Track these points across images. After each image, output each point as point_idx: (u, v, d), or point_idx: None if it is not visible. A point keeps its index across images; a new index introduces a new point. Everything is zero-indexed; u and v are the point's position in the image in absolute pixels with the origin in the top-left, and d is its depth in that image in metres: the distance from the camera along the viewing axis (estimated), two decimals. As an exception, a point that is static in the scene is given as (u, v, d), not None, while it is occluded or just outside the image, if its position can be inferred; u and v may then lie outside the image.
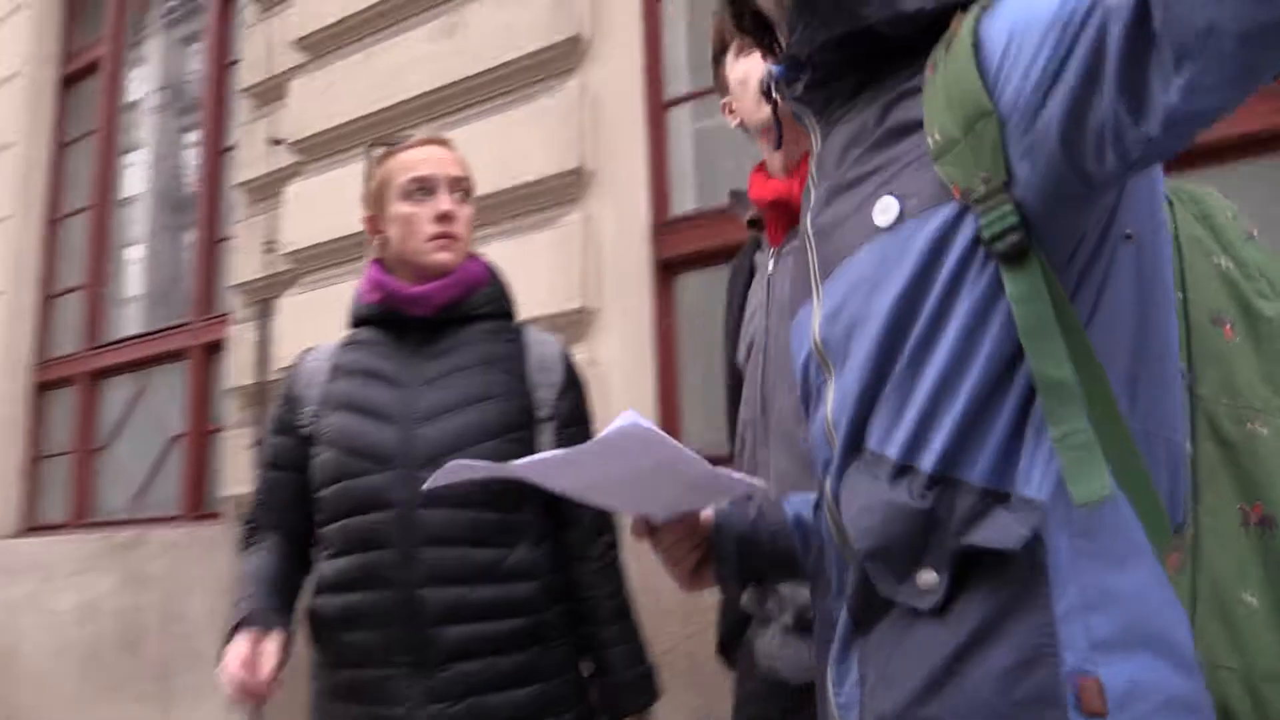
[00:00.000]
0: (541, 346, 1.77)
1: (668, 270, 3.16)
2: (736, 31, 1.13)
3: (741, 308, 1.71)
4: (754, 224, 1.71)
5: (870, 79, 0.94)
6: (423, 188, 1.73)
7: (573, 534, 1.70)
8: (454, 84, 3.47)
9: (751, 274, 1.73)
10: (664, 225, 3.18)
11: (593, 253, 3.14)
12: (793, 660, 1.45)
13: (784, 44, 1.01)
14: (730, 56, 1.64)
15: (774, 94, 1.04)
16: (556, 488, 1.12)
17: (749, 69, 1.58)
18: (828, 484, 0.93)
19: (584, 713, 1.66)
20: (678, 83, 3.35)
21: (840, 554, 0.92)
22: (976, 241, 0.79)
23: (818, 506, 1.01)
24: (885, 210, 0.85)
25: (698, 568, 1.17)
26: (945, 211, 0.81)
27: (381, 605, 1.55)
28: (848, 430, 0.88)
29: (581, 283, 3.09)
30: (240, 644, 1.48)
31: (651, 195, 3.18)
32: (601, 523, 1.72)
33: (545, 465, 1.05)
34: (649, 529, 1.14)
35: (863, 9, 0.90)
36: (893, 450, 0.84)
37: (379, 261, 1.79)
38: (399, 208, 1.73)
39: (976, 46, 0.81)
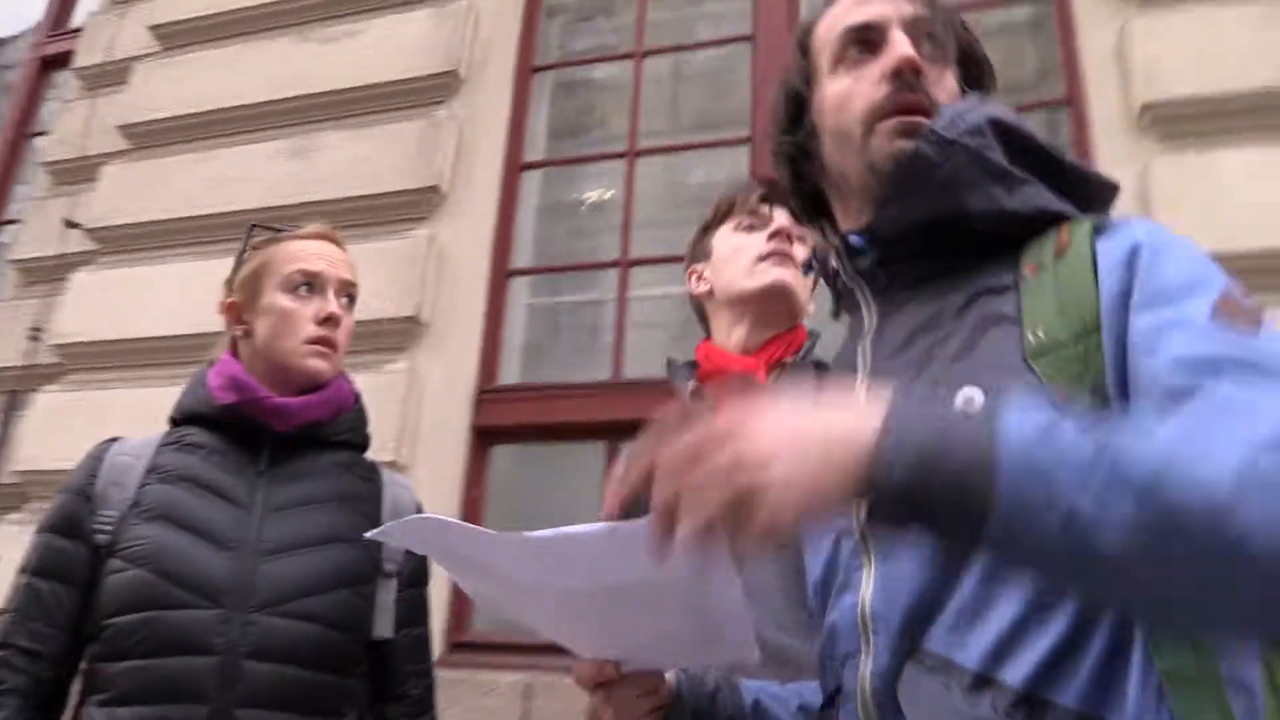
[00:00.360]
0: (398, 490, 1.60)
1: (484, 438, 3.05)
2: (792, 201, 1.08)
3: None
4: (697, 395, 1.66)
5: (943, 266, 0.93)
6: (309, 283, 1.54)
7: (397, 709, 1.52)
8: (293, 206, 3.32)
9: None
10: (487, 392, 3.08)
11: (413, 405, 2.99)
12: None
13: (851, 220, 0.99)
14: (728, 228, 1.66)
15: (827, 266, 1.02)
16: (525, 581, 0.84)
17: (744, 242, 1.62)
18: (866, 682, 0.83)
19: None
20: (522, 256, 3.35)
21: None
22: None
23: (829, 704, 0.91)
24: (969, 402, 0.79)
25: None
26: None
27: None
28: (902, 626, 0.80)
29: (397, 435, 2.92)
30: None
31: (481, 359, 3.10)
32: (428, 700, 1.56)
33: (526, 546, 0.80)
34: (604, 679, 0.97)
35: (967, 197, 0.90)
36: (968, 659, 0.76)
37: (234, 356, 1.57)
38: (277, 300, 1.52)
39: (1095, 265, 0.81)
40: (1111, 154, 2.70)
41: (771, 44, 3.25)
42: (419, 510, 1.58)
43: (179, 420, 1.54)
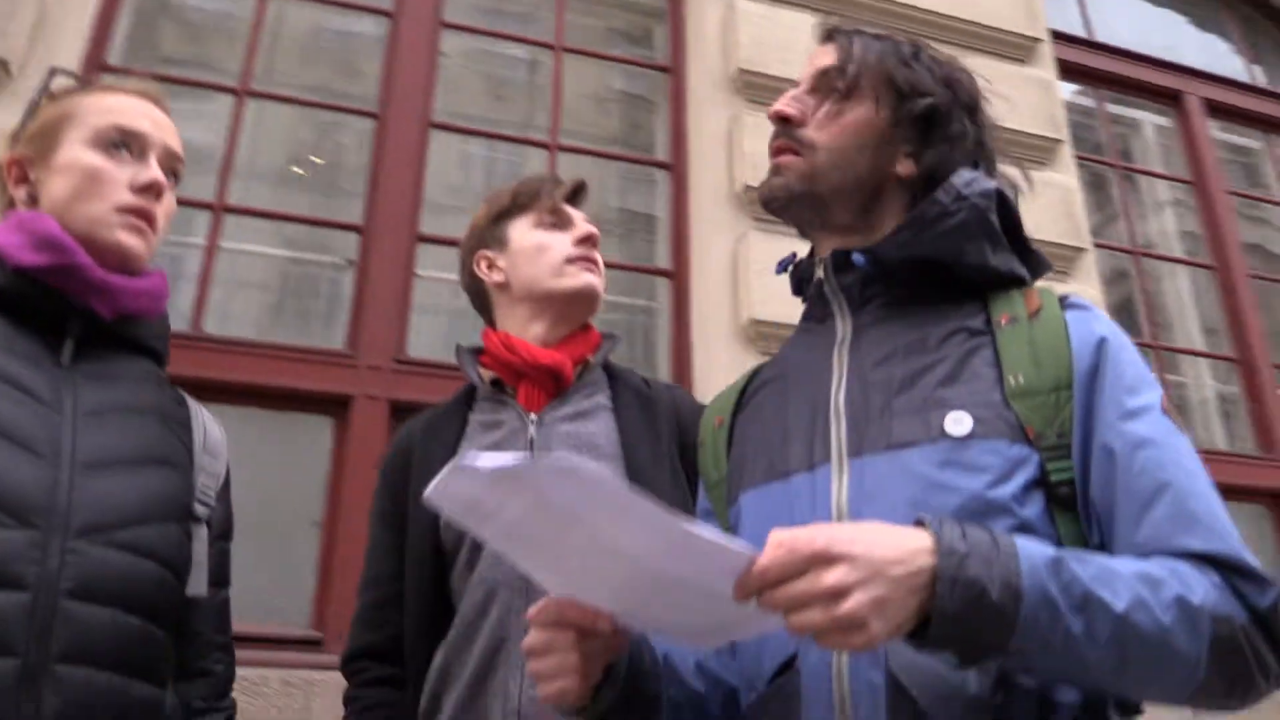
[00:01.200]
0: (207, 419, 1.35)
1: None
2: (783, 206, 1.17)
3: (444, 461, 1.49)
4: (496, 384, 1.61)
5: (913, 296, 1.11)
6: (126, 143, 1.25)
7: (197, 688, 1.27)
8: None
9: (462, 428, 1.60)
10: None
11: None
12: None
13: (847, 239, 1.15)
14: (526, 221, 1.66)
15: (805, 273, 1.21)
16: (602, 543, 0.83)
17: (549, 241, 1.64)
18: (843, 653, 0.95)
19: None
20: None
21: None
22: (1040, 480, 0.97)
23: (788, 667, 1.00)
24: (959, 423, 0.99)
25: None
26: (1019, 447, 0.97)
27: None
28: None
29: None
30: None
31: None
32: (229, 680, 1.34)
33: (643, 510, 0.79)
34: (592, 628, 0.93)
35: (964, 246, 1.09)
36: None
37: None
38: (82, 155, 1.21)
39: (1068, 334, 1.03)
40: (714, 221, 3.18)
41: (413, 22, 3.22)
42: (223, 444, 1.36)
43: None
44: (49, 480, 1.07)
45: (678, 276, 3.17)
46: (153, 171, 1.25)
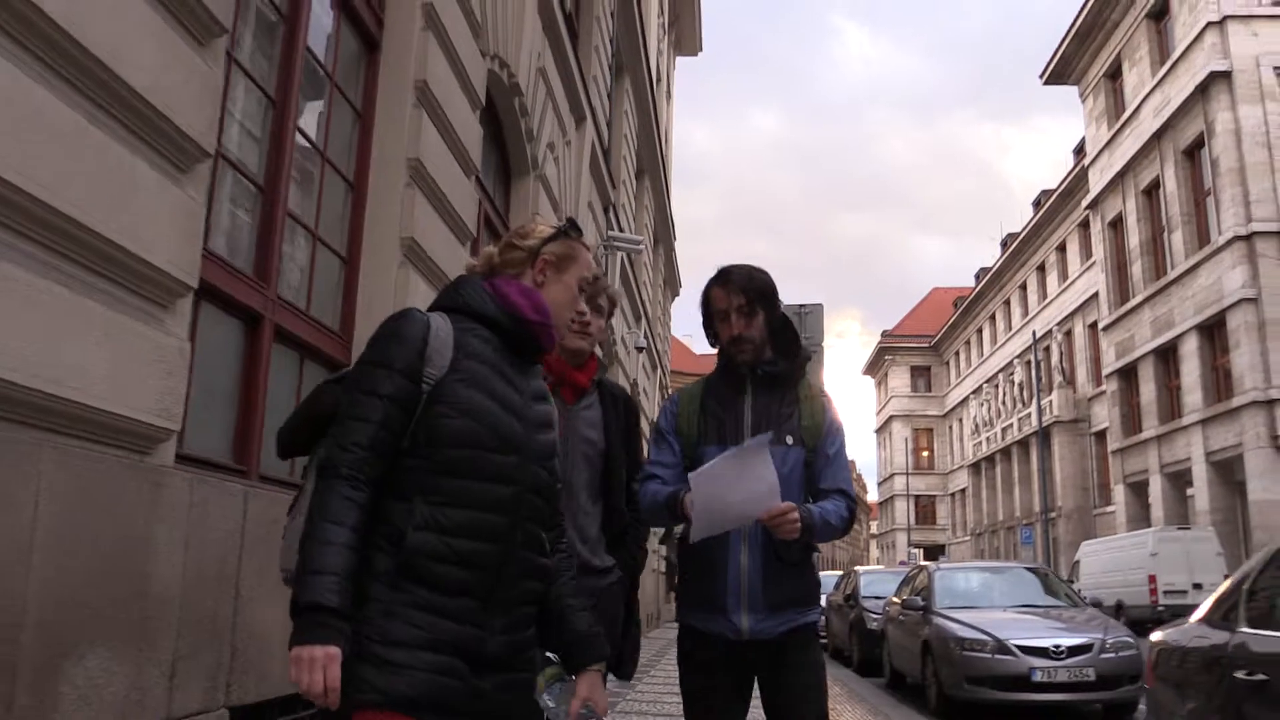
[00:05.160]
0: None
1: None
2: (713, 333, 2.94)
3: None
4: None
5: (775, 384, 2.89)
6: (587, 289, 2.28)
7: (553, 534, 2.14)
8: None
9: None
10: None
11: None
12: None
13: (748, 353, 2.85)
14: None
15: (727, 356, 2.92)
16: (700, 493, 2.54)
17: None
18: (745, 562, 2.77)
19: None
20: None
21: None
22: (807, 461, 2.84)
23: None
24: (790, 439, 2.81)
25: None
26: (800, 448, 2.82)
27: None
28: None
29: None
30: None
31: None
32: (562, 529, 2.21)
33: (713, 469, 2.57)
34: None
35: (800, 370, 2.94)
36: (789, 554, 2.84)
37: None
38: (573, 286, 2.18)
39: (824, 415, 2.87)
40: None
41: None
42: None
43: (460, 312, 2.04)
44: (522, 430, 2.00)
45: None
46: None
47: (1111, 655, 8.71)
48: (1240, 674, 3.82)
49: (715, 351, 2.92)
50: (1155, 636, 4.98)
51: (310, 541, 1.76)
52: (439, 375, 1.89)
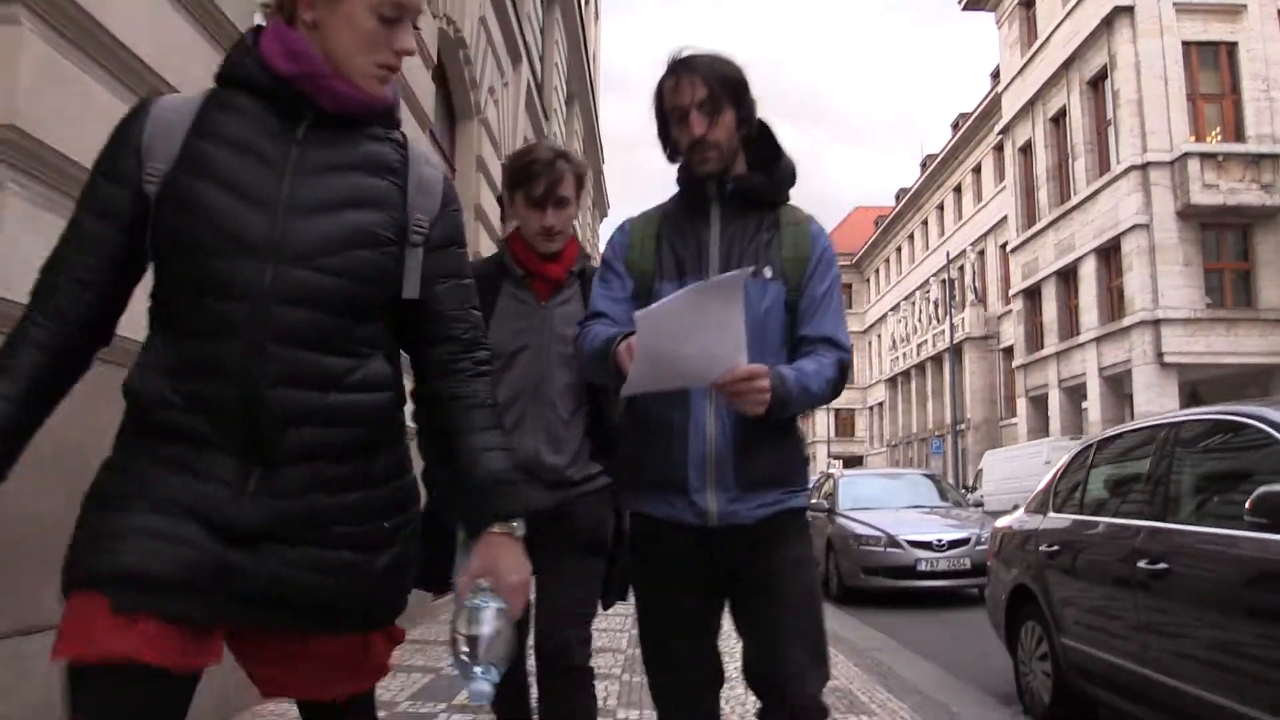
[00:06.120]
0: (426, 169, 1.67)
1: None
2: (666, 141, 2.27)
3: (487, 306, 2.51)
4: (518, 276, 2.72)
5: (749, 206, 2.24)
6: (398, 17, 1.56)
7: (446, 349, 1.64)
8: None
9: (497, 293, 2.69)
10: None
11: None
12: None
13: (721, 168, 2.20)
14: (520, 197, 2.72)
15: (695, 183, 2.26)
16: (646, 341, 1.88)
17: (529, 219, 2.71)
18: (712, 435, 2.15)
19: (406, 522, 1.62)
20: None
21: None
22: (788, 303, 2.19)
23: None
24: (768, 271, 2.17)
25: None
26: (780, 283, 2.18)
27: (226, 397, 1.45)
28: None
29: None
30: None
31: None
32: (476, 340, 1.68)
33: (660, 311, 1.90)
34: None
35: (782, 189, 2.28)
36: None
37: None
38: (364, 20, 1.52)
39: (812, 245, 2.23)
40: None
41: None
42: (446, 187, 1.68)
43: (222, 82, 1.58)
44: (267, 223, 1.46)
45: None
46: (410, 42, 1.59)
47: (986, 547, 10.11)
48: (1043, 547, 5.01)
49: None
50: (997, 524, 6.17)
51: None
52: (166, 169, 1.47)
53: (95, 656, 1.32)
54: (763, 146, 2.26)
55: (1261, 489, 3.28)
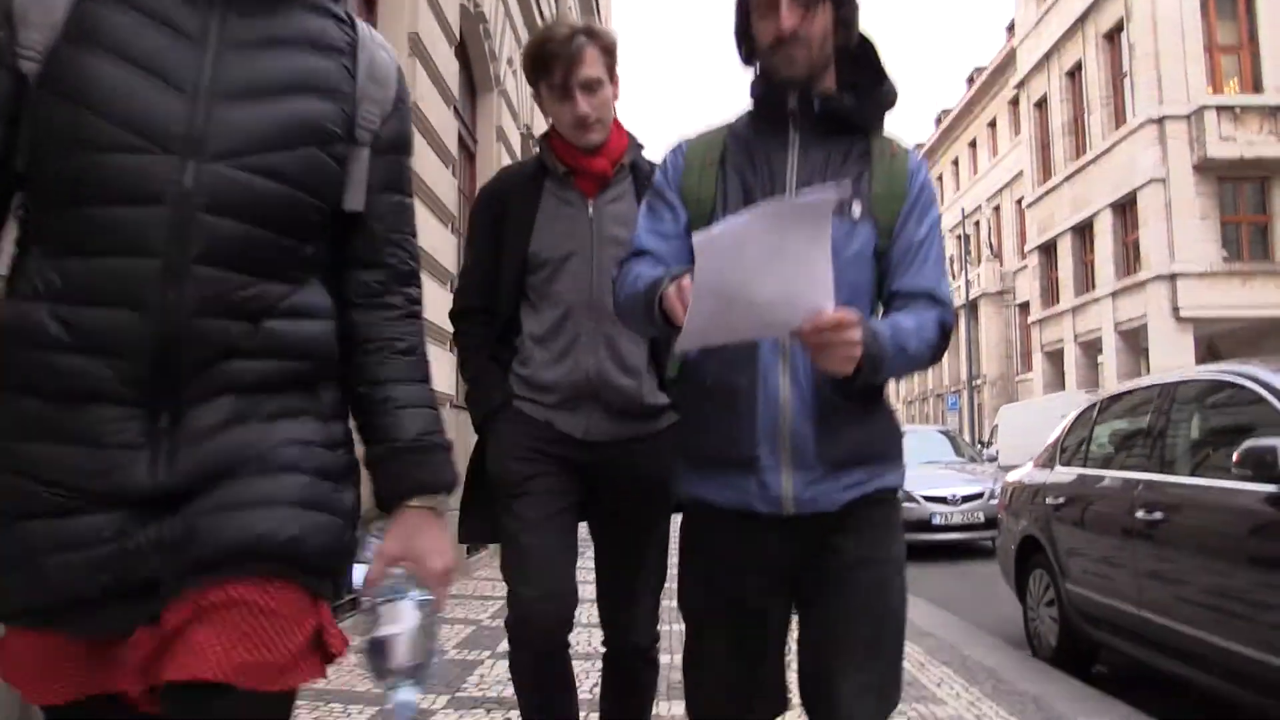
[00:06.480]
0: (377, 50, 1.37)
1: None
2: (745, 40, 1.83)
3: (530, 210, 2.35)
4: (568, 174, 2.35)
5: (836, 132, 1.79)
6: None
7: (374, 275, 1.36)
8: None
9: (539, 194, 2.37)
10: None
11: None
12: None
13: (812, 88, 1.77)
14: (544, 88, 2.36)
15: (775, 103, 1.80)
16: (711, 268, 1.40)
17: (560, 111, 2.33)
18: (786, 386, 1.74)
19: (344, 467, 1.30)
20: None
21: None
22: (879, 249, 1.76)
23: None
24: (857, 208, 1.74)
25: None
26: (869, 225, 1.75)
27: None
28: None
29: None
30: None
31: None
32: (413, 272, 1.42)
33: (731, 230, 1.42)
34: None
35: (878, 114, 1.83)
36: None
37: None
38: None
39: (909, 181, 1.79)
40: None
41: None
42: (399, 71, 1.41)
43: None
44: (186, 110, 1.15)
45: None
46: None
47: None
48: (1050, 499, 5.28)
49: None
50: (1008, 479, 6.44)
51: None
52: (47, 43, 1.16)
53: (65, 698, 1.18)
54: (860, 67, 1.82)
55: (1248, 442, 3.53)
